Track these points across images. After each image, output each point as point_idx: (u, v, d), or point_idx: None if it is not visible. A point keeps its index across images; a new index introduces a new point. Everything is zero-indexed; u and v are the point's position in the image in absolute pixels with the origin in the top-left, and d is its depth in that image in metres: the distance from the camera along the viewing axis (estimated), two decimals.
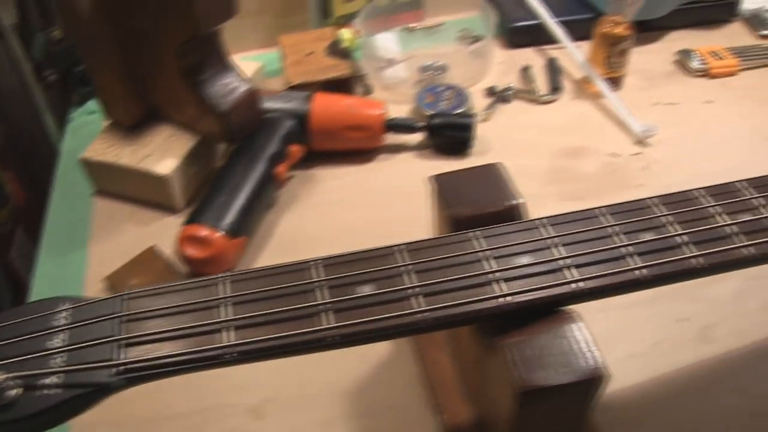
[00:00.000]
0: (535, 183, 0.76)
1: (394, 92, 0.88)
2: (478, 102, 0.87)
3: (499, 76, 0.92)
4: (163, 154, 0.74)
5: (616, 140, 0.82)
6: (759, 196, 0.48)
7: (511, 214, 0.48)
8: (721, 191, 0.48)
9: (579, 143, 0.81)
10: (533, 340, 0.41)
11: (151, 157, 0.74)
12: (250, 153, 0.72)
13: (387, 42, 0.93)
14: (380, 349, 0.61)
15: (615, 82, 0.88)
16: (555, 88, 0.88)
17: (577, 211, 0.47)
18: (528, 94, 0.88)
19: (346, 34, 0.90)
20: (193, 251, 0.66)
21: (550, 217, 0.46)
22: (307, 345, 0.39)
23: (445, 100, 0.83)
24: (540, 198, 0.74)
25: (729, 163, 0.78)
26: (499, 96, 0.87)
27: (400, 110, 0.84)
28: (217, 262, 0.66)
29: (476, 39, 0.94)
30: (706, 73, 0.92)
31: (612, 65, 0.86)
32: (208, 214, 0.67)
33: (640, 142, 0.81)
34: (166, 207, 0.75)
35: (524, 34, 0.96)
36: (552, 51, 0.95)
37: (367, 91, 0.88)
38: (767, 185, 0.49)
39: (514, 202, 0.49)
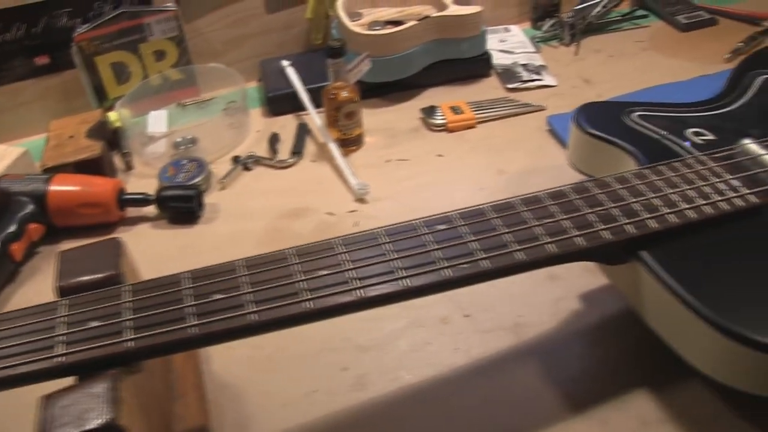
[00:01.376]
0: (250, 245, 0.83)
1: (153, 167, 0.96)
2: (225, 171, 0.94)
3: (255, 143, 1.00)
4: None
5: (338, 199, 0.89)
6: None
7: (110, 281, 0.56)
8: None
9: (303, 204, 0.89)
10: (61, 396, 0.48)
11: None
12: None
13: (157, 119, 1.01)
14: None
15: (352, 142, 0.96)
16: (296, 153, 0.97)
17: (159, 278, 0.55)
18: (269, 160, 0.96)
19: (113, 115, 0.99)
20: None
21: (136, 284, 0.55)
22: None
23: (185, 172, 0.91)
24: None
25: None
26: (240, 163, 0.95)
27: (153, 185, 0.92)
28: None
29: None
30: (445, 128, 1.01)
31: (342, 127, 0.95)
32: None
33: (360, 199, 0.89)
34: None
35: (282, 102, 1.05)
36: (305, 117, 1.04)
37: (129, 167, 0.97)
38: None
39: (110, 272, 0.57)
